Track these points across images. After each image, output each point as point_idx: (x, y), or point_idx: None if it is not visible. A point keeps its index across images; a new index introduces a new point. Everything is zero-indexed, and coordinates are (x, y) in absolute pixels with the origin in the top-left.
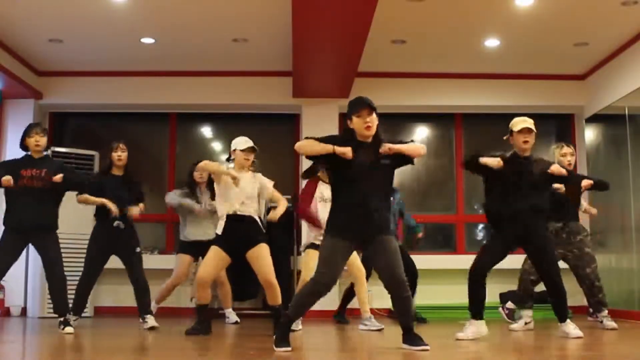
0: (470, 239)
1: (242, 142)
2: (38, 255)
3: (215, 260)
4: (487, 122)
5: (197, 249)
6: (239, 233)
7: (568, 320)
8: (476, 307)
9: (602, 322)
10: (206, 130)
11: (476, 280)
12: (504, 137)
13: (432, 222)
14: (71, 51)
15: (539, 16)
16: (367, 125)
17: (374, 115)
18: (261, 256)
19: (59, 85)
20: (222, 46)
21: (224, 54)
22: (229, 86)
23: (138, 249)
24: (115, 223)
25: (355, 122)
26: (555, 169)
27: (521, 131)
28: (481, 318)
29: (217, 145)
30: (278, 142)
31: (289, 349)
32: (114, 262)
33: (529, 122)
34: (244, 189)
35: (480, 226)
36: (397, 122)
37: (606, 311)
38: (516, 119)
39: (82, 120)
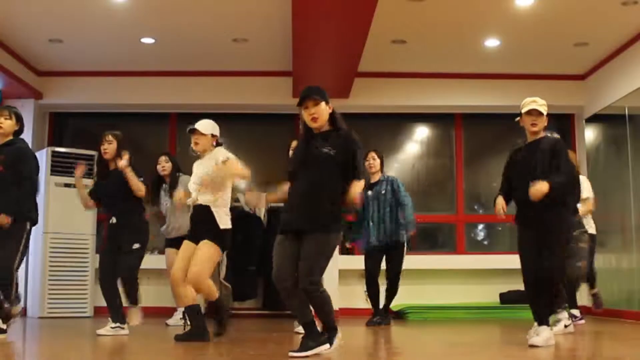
0: (470, 239)
1: None
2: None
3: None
4: (487, 122)
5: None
6: (192, 224)
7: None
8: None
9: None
10: None
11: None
12: (515, 119)
13: (432, 222)
14: (71, 51)
15: (539, 16)
16: (312, 116)
17: (322, 105)
18: (195, 254)
19: (59, 85)
20: (222, 46)
21: (224, 54)
22: (229, 86)
23: (135, 246)
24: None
25: (304, 115)
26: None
27: (529, 113)
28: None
29: None
30: (278, 142)
31: None
32: None
33: (538, 104)
34: (196, 174)
35: (480, 226)
36: (397, 122)
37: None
38: (526, 99)
39: (82, 120)
